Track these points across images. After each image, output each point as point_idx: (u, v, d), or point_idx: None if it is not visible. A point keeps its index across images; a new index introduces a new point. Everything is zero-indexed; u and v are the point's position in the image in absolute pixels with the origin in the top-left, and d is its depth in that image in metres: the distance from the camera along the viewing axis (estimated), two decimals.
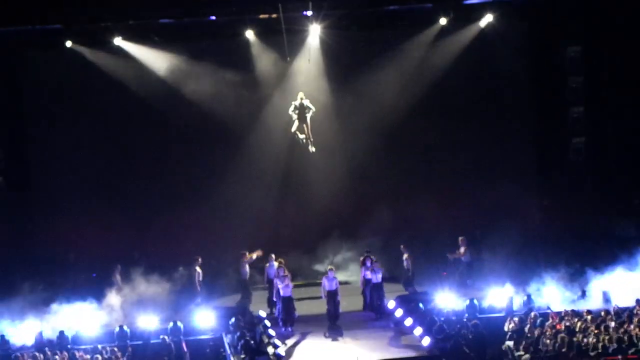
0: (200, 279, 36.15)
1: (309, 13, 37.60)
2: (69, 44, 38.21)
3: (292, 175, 40.04)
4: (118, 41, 38.49)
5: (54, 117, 39.29)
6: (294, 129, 35.82)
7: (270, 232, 39.60)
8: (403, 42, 40.19)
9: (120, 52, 38.80)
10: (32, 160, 39.81)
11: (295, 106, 35.76)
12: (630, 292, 33.19)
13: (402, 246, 36.58)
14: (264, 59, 39.60)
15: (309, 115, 35.77)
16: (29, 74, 39.39)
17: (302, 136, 35.80)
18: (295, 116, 35.82)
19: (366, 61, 40.13)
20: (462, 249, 36.99)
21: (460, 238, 37.08)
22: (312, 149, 36.05)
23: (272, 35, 38.54)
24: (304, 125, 35.76)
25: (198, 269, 36.13)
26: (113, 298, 34.72)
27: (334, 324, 33.06)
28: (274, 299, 33.81)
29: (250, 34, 38.99)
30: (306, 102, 35.67)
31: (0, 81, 38.43)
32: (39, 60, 39.14)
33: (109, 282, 36.08)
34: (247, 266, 35.96)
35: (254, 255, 36.06)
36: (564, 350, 29.36)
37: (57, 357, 30.73)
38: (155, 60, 39.23)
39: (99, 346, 31.54)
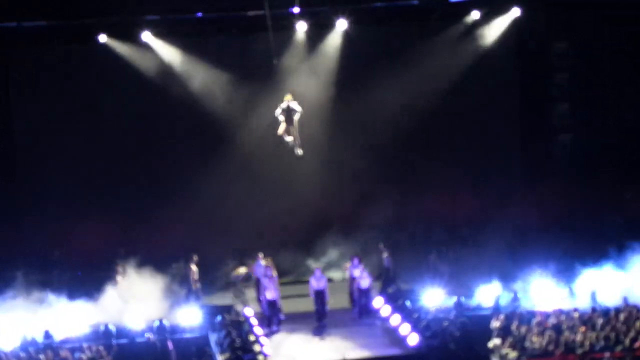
0: (196, 277, 35.74)
1: (296, 10, 37.15)
2: (55, 41, 37.90)
3: (285, 172, 38.93)
4: (103, 38, 38.02)
5: (41, 114, 38.76)
6: (280, 131, 35.13)
7: (263, 228, 39.03)
8: (391, 39, 39.83)
9: (108, 50, 38.25)
10: (19, 157, 39.31)
11: (282, 108, 35.06)
12: (618, 289, 33.07)
13: (380, 245, 36.23)
14: (252, 57, 39.15)
15: (296, 118, 35.08)
16: (17, 71, 38.90)
17: (289, 139, 35.08)
18: (282, 118, 35.11)
19: (353, 58, 39.54)
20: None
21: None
22: (299, 151, 35.40)
23: (259, 33, 37.84)
24: (291, 128, 35.07)
25: (193, 267, 35.79)
26: (110, 295, 34.39)
27: (321, 322, 32.88)
28: (260, 298, 33.67)
29: (236, 32, 38.86)
30: (293, 104, 34.95)
31: None
32: (27, 57, 38.55)
33: (96, 280, 35.65)
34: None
35: (242, 271, 35.63)
36: (551, 347, 29.54)
37: (41, 356, 30.54)
38: (143, 58, 38.70)
39: (84, 345, 31.38)
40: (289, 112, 34.65)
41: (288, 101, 34.74)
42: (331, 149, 39.65)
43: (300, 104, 34.38)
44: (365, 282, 33.67)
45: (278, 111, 34.84)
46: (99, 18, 36.98)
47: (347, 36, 39.09)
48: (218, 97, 39.06)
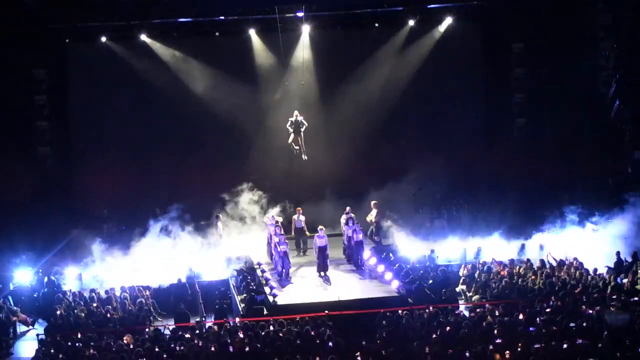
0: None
1: (301, 14, 37.47)
2: (103, 39, 38.40)
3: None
4: (144, 37, 38.51)
5: (93, 97, 39.01)
6: (290, 140, 35.95)
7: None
8: (379, 40, 40.15)
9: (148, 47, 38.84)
10: (74, 132, 39.51)
11: (292, 122, 35.86)
12: (561, 245, 33.64)
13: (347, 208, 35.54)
14: (263, 55, 39.42)
15: (302, 129, 35.84)
16: (74, 63, 39.02)
17: (296, 147, 35.98)
18: (291, 130, 35.91)
19: (347, 57, 40.04)
20: (374, 212, 36.04)
21: (372, 202, 36.23)
22: (305, 157, 36.14)
23: (269, 34, 38.40)
24: (298, 138, 35.91)
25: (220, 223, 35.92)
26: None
27: (323, 273, 32.44)
28: (272, 252, 33.33)
29: (252, 33, 39.03)
30: (300, 119, 35.79)
31: (50, 69, 38.16)
32: (82, 51, 38.91)
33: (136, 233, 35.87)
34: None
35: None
36: (507, 292, 29.78)
37: (93, 294, 31.24)
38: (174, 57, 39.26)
39: (125, 285, 32.01)
40: (297, 125, 35.57)
41: (297, 116, 35.65)
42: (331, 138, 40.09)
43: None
44: (358, 236, 33.29)
45: (288, 124, 35.64)
46: (141, 21, 37.51)
47: (343, 37, 39.56)
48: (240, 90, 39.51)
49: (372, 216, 36.07)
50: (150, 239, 35.02)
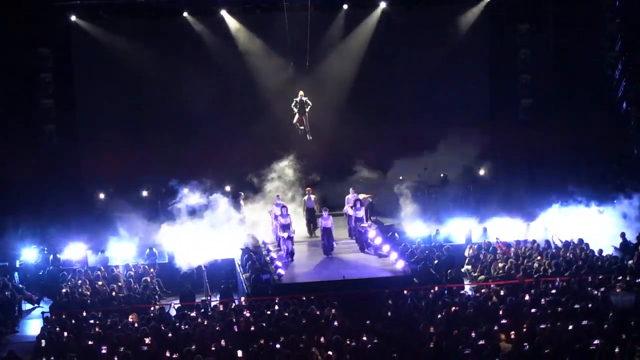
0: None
1: None
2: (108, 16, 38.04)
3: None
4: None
5: (99, 74, 38.69)
6: (294, 120, 35.69)
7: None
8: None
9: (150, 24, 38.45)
10: (79, 110, 39.15)
11: (296, 102, 35.60)
12: (566, 227, 33.34)
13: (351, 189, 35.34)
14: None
15: (307, 109, 35.62)
16: (79, 40, 38.58)
17: (301, 127, 35.74)
18: (296, 110, 35.67)
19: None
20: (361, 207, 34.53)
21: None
22: (309, 137, 35.89)
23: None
24: (303, 118, 35.68)
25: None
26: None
27: (327, 255, 32.47)
28: (277, 233, 33.27)
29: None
30: (305, 99, 35.57)
31: (55, 46, 37.88)
32: (87, 28, 38.39)
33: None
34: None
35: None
36: (512, 272, 29.72)
37: (98, 272, 31.12)
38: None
39: (130, 264, 31.94)
40: (302, 105, 35.35)
41: (301, 96, 35.39)
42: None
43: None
44: (359, 213, 33.25)
45: (293, 104, 35.35)
46: None
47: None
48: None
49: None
50: (159, 217, 34.91)
